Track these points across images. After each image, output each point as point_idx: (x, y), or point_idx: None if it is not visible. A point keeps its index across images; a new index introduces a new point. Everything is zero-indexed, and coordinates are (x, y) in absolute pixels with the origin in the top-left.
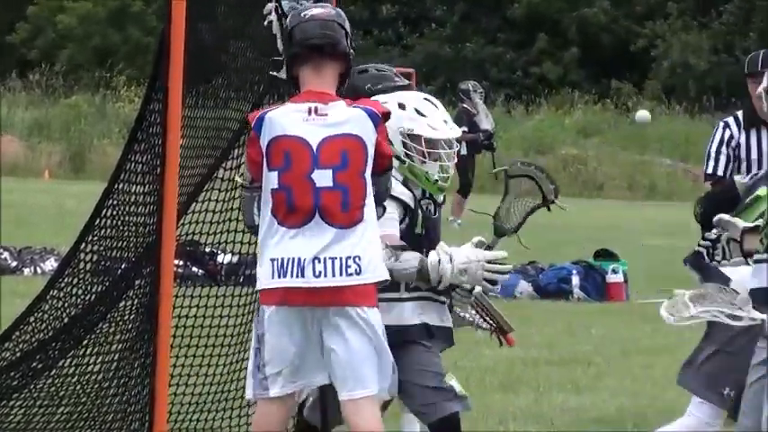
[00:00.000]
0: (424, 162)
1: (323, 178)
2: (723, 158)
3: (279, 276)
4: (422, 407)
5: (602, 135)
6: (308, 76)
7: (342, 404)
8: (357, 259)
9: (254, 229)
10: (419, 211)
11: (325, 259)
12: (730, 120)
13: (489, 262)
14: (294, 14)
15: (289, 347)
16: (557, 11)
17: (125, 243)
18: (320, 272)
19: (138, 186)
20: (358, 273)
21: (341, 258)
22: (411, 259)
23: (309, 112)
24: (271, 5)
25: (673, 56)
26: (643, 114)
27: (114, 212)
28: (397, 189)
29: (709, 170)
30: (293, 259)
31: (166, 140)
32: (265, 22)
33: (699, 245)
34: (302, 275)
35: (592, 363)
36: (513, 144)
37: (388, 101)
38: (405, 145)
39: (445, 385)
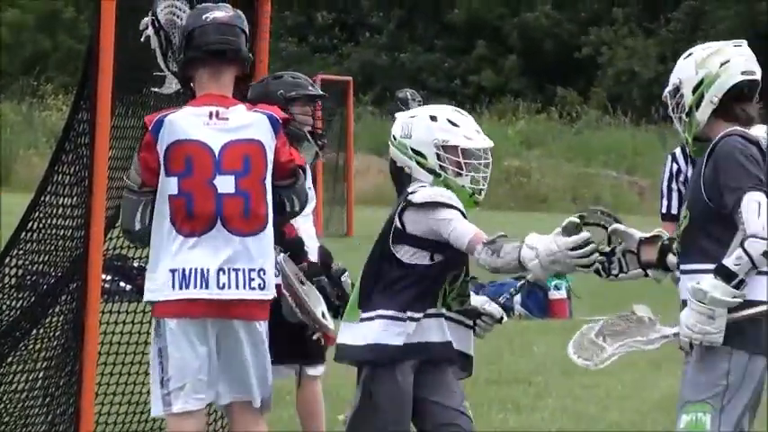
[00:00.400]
0: (459, 174)
1: (225, 184)
2: (675, 195)
3: (180, 288)
4: (442, 426)
5: (546, 146)
6: (206, 80)
7: (231, 412)
8: (262, 273)
9: (131, 235)
10: None
11: (229, 270)
12: (677, 151)
13: (572, 249)
14: (195, 15)
15: (192, 361)
16: (497, 17)
17: (51, 257)
18: (224, 283)
19: (66, 199)
20: (262, 287)
21: (245, 270)
22: (511, 252)
23: (210, 116)
24: (147, 20)
25: (618, 63)
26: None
27: (40, 225)
28: (445, 194)
29: (663, 209)
30: (196, 270)
31: (95, 151)
32: (142, 38)
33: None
34: (206, 287)
35: (533, 382)
36: None
37: (418, 114)
38: (438, 157)
39: (467, 410)
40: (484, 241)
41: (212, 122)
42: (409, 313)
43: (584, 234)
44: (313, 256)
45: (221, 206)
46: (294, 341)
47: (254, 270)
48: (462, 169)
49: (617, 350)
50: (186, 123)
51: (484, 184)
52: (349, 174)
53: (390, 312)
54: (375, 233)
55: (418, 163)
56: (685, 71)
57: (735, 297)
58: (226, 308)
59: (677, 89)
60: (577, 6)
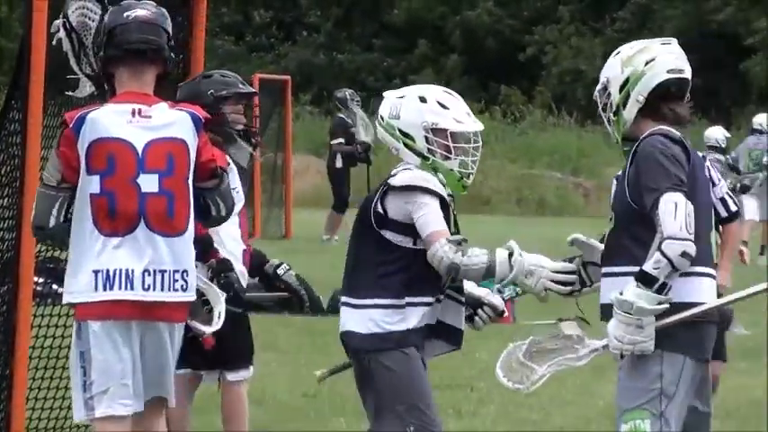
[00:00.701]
0: (448, 158)
1: (148, 183)
2: None
3: (105, 289)
4: None
5: (489, 146)
6: (126, 78)
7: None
8: (185, 274)
9: (43, 231)
10: (451, 210)
11: (155, 272)
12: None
13: (556, 272)
14: (116, 12)
15: (116, 365)
16: (439, 16)
17: None
18: (149, 285)
19: None
20: (184, 289)
21: (170, 272)
22: (480, 255)
23: (133, 114)
24: (58, 22)
25: (563, 63)
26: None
27: None
28: (427, 178)
29: None
30: (121, 270)
31: (26, 151)
32: (54, 41)
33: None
34: (131, 288)
35: (475, 387)
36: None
37: (407, 95)
38: (427, 140)
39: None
40: (448, 238)
41: (135, 120)
42: (408, 299)
43: (572, 266)
44: (237, 260)
45: (144, 206)
46: (202, 346)
47: (177, 272)
48: (451, 153)
49: (547, 370)
50: (108, 121)
51: (473, 168)
52: (287, 175)
53: (387, 301)
54: (314, 235)
55: (406, 145)
56: (612, 69)
57: (660, 303)
58: (150, 310)
59: (605, 88)
60: (520, 4)
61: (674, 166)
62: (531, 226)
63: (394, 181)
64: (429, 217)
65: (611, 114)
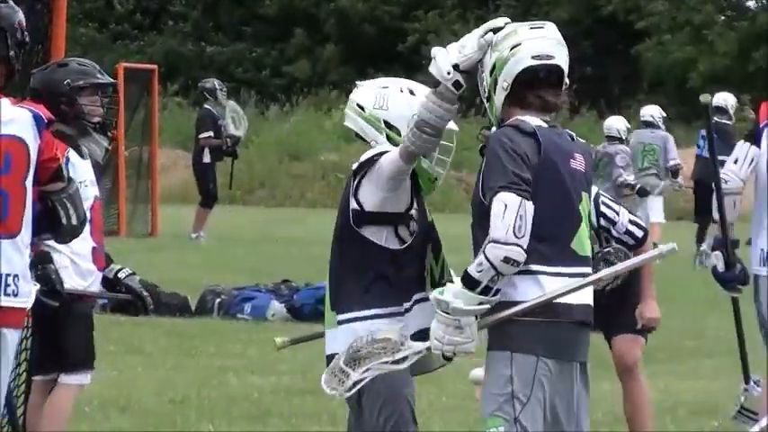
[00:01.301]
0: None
1: None
2: None
3: None
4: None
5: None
6: None
7: None
8: (16, 279)
9: None
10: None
11: None
12: None
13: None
14: None
15: None
16: (313, 2)
17: None
18: None
19: None
20: (15, 294)
21: (1, 275)
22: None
23: None
24: None
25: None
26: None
27: None
28: (386, 147)
29: None
30: None
31: None
32: None
33: None
34: None
35: None
36: (266, 149)
37: (391, 85)
38: None
39: None
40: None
41: None
42: (406, 304)
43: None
44: (86, 258)
45: None
46: (49, 349)
47: (9, 275)
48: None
49: (362, 375)
50: None
51: (445, 169)
52: (153, 169)
53: (387, 310)
54: (182, 232)
55: (389, 137)
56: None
57: (481, 304)
58: None
59: (481, 72)
60: None
61: (514, 162)
62: None
63: (359, 162)
64: (390, 154)
65: (485, 100)
